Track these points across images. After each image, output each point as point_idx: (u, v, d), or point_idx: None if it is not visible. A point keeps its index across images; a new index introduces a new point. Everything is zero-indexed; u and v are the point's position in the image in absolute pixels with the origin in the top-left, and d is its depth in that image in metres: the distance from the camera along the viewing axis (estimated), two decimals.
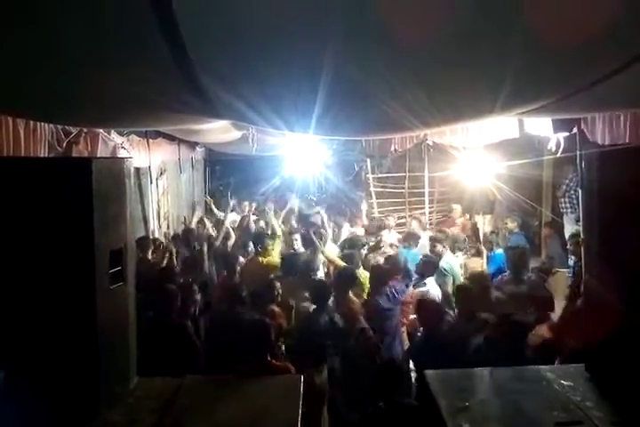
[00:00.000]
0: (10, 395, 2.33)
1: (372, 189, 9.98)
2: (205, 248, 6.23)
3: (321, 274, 6.01)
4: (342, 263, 5.58)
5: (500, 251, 6.44)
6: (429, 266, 5.57)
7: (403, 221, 9.20)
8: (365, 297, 5.23)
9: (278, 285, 4.89)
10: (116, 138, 5.75)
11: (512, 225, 7.53)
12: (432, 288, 5.40)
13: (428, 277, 5.49)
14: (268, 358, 3.30)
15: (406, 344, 5.04)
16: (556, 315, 4.57)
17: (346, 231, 7.46)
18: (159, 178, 8.97)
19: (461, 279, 5.88)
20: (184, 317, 4.20)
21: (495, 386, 2.82)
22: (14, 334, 2.41)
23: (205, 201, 10.81)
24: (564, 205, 7.48)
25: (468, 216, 8.85)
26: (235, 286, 4.85)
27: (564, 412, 2.49)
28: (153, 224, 8.44)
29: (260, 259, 6.06)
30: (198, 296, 4.60)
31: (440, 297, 5.26)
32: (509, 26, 1.84)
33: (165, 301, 4.13)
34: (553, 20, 1.80)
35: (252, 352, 3.29)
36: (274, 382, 2.91)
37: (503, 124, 6.12)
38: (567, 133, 5.18)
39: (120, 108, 3.27)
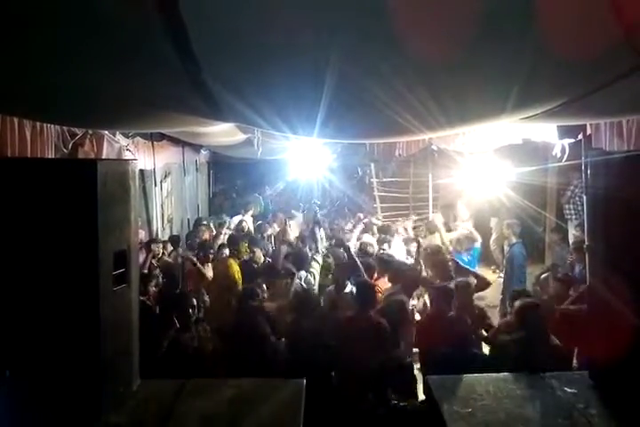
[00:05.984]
0: (13, 396, 2.33)
1: (375, 193, 9.97)
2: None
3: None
4: None
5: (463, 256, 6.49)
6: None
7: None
8: None
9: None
10: (121, 140, 5.78)
11: (507, 232, 7.01)
12: None
13: None
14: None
15: None
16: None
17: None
18: (163, 180, 9.00)
19: None
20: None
21: (498, 392, 2.80)
22: (18, 335, 2.41)
23: None
24: (568, 211, 7.45)
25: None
26: (252, 289, 4.76)
27: (568, 419, 2.48)
28: (156, 226, 8.46)
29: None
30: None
31: None
32: (519, 31, 1.84)
33: None
34: (562, 25, 1.80)
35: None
36: (276, 386, 2.89)
37: (508, 130, 6.11)
38: (572, 140, 5.16)
39: (128, 111, 3.30)
